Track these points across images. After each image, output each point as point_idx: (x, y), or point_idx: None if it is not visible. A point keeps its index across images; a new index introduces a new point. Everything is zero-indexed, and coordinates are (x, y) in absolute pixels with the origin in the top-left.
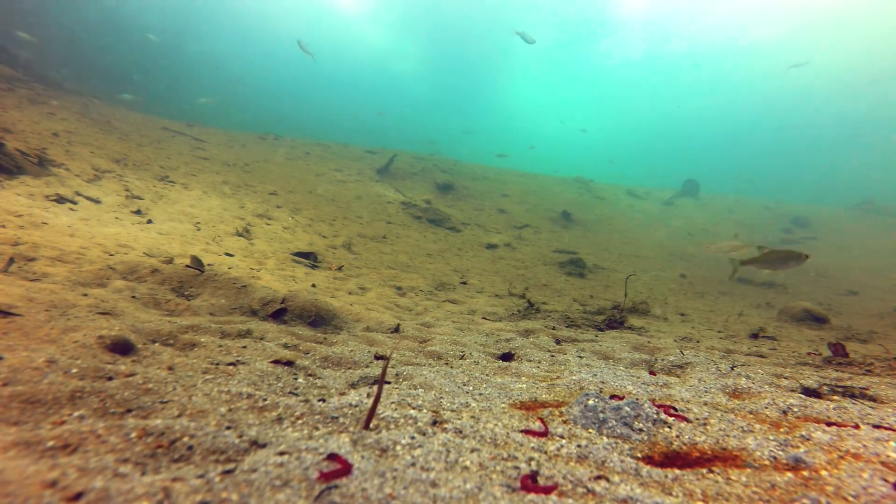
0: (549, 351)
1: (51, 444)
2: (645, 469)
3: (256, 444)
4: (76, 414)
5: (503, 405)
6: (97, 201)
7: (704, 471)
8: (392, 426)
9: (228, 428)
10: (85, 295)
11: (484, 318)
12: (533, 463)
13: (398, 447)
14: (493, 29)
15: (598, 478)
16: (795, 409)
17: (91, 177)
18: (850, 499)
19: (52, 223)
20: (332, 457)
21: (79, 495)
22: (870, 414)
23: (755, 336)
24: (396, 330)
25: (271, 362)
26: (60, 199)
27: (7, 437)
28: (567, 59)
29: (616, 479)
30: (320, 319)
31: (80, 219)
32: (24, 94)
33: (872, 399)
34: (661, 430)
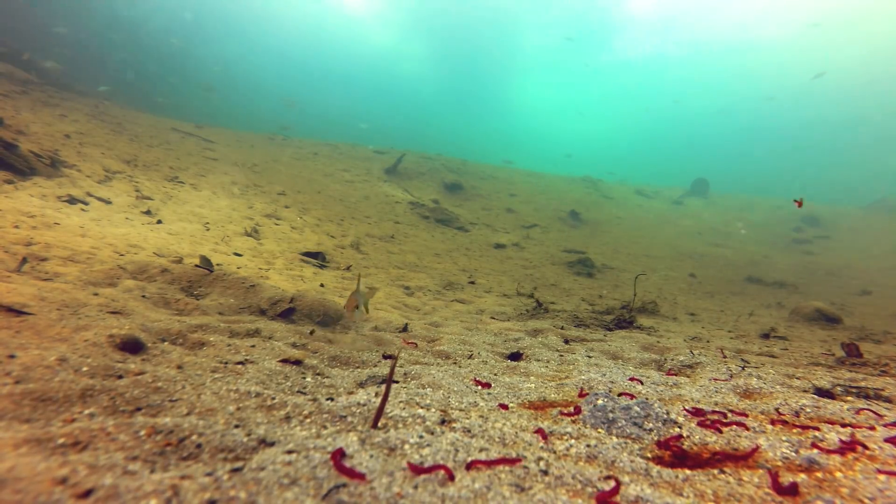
0: (557, 350)
1: (61, 441)
2: (655, 469)
3: (265, 443)
4: (87, 412)
5: (512, 405)
6: (108, 202)
7: (716, 471)
8: (400, 425)
9: (237, 426)
10: (96, 294)
11: (492, 318)
12: (542, 462)
13: (406, 446)
14: (496, 29)
15: (608, 478)
16: (808, 410)
17: (102, 178)
18: (867, 501)
19: (64, 223)
20: (341, 466)
21: (88, 492)
22: (885, 415)
23: (766, 336)
24: (405, 329)
25: (280, 361)
26: (72, 200)
27: (19, 434)
28: (573, 58)
29: (626, 479)
30: (329, 319)
31: (92, 219)
32: (37, 97)
33: (888, 400)
34: (671, 430)
